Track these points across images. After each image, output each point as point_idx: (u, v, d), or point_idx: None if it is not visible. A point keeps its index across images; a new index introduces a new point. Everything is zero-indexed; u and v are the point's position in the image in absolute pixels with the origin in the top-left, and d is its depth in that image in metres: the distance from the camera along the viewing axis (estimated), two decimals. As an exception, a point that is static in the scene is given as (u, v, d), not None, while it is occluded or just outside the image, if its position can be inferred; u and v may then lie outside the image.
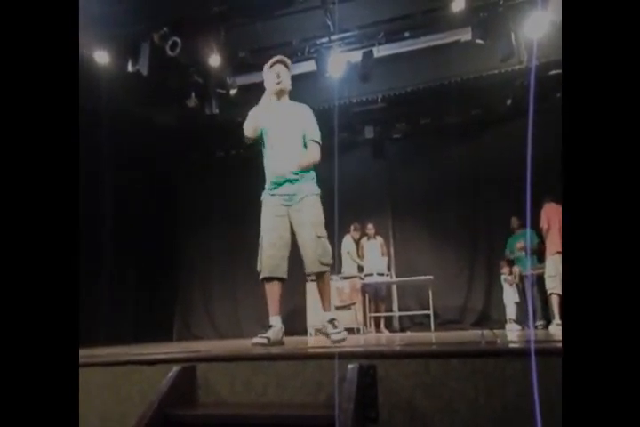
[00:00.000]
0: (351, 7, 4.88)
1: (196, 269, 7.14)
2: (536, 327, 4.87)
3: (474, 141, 6.27)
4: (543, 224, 4.67)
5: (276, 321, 2.24)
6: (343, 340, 2.10)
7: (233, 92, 5.56)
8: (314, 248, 2.20)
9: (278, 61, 2.44)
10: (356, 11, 4.88)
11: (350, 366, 1.22)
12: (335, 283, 5.38)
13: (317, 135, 2.40)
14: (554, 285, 4.56)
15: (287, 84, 2.44)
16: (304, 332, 5.63)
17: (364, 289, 5.60)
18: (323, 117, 7.00)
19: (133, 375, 1.57)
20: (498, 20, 5.02)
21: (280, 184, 2.31)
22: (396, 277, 6.12)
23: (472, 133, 6.30)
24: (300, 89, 6.01)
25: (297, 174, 2.30)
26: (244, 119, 2.56)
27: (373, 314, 5.68)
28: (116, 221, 6.04)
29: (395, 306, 6.16)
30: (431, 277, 5.33)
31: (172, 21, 4.64)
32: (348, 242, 5.98)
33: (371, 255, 5.91)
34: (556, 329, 4.34)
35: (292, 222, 2.28)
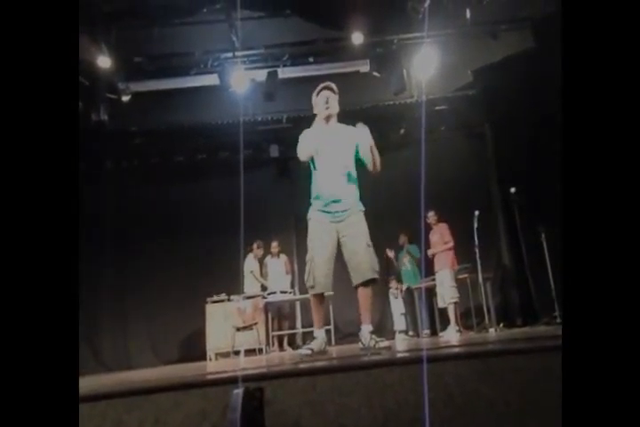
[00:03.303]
0: (257, 26, 4.94)
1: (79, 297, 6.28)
2: (419, 335, 5.30)
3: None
4: (448, 241, 5.08)
5: (319, 333, 2.43)
6: (389, 347, 2.22)
7: (126, 98, 5.17)
8: (367, 257, 2.37)
9: (325, 87, 2.57)
10: (261, 30, 4.95)
11: (235, 391, 1.14)
12: (236, 303, 5.20)
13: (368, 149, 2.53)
14: (452, 295, 4.95)
15: (335, 108, 2.57)
16: (202, 357, 5.28)
17: (267, 308, 5.49)
18: (227, 132, 6.86)
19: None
20: (392, 57, 5.52)
21: (329, 203, 2.47)
22: (301, 294, 6.11)
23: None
24: (204, 102, 5.91)
25: (344, 193, 2.47)
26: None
27: (276, 333, 5.58)
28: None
29: (298, 323, 6.12)
30: (331, 292, 5.43)
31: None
32: (250, 261, 5.85)
33: (274, 274, 5.86)
34: (454, 335, 4.72)
35: (341, 237, 2.43)
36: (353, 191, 2.52)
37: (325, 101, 2.51)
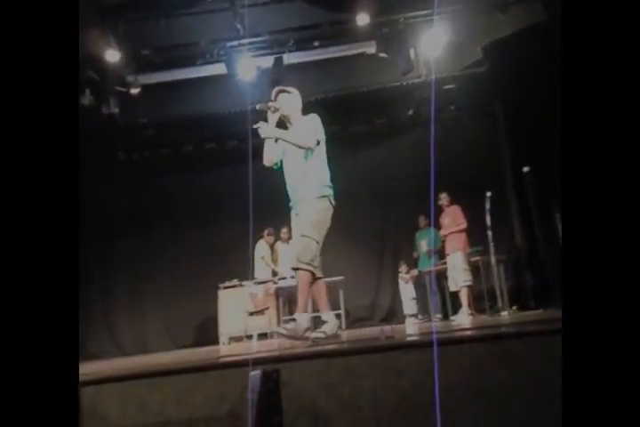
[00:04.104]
0: (261, 12, 4.87)
1: (95, 280, 6.49)
2: (430, 320, 5.28)
3: (379, 148, 6.63)
4: (461, 223, 5.01)
5: (328, 317, 2.42)
6: (322, 337, 2.26)
7: (135, 91, 5.20)
8: (297, 246, 2.40)
9: (276, 93, 2.62)
10: (265, 16, 4.88)
11: (252, 373, 1.19)
12: (248, 289, 5.30)
13: (308, 138, 2.48)
14: (465, 278, 4.92)
15: (286, 109, 2.59)
16: (215, 341, 5.42)
17: (279, 293, 5.58)
18: (235, 121, 6.85)
19: None
20: (399, 36, 5.39)
21: (290, 196, 2.59)
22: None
23: (377, 140, 6.65)
24: (211, 92, 5.89)
25: (300, 186, 2.49)
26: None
27: (287, 317, 5.68)
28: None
29: (309, 308, 6.23)
30: (342, 277, 5.50)
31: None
32: (261, 247, 5.91)
33: (285, 259, 5.91)
34: (466, 319, 4.69)
35: None
36: (310, 180, 2.51)
37: (269, 108, 2.54)
